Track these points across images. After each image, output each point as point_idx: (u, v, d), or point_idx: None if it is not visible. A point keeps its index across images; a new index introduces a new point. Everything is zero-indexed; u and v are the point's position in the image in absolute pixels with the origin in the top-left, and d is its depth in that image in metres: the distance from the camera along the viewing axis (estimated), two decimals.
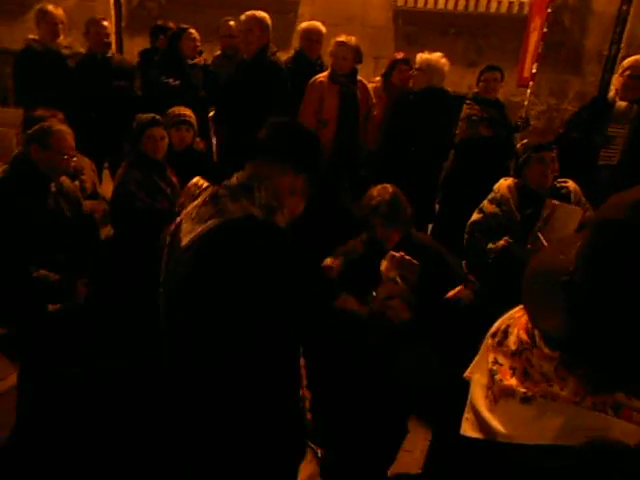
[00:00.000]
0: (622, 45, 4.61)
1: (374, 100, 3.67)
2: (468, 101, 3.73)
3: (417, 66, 3.61)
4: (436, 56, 3.59)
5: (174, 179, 2.77)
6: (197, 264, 1.21)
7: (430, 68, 3.55)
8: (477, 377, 0.97)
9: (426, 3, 5.20)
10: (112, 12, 5.48)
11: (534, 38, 4.09)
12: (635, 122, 3.14)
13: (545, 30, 3.99)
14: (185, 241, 1.25)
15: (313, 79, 3.43)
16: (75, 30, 4.18)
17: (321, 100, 3.36)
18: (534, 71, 3.99)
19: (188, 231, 1.26)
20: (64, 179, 2.54)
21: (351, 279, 2.02)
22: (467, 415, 0.96)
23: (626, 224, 0.73)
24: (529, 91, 4.03)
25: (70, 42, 3.91)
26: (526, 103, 4.03)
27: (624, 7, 4.54)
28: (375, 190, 2.28)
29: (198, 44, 3.85)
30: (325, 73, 3.45)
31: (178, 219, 1.35)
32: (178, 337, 1.28)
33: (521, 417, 0.86)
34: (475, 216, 2.59)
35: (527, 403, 0.87)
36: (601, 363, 0.80)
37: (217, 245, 1.19)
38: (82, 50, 3.85)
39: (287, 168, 1.33)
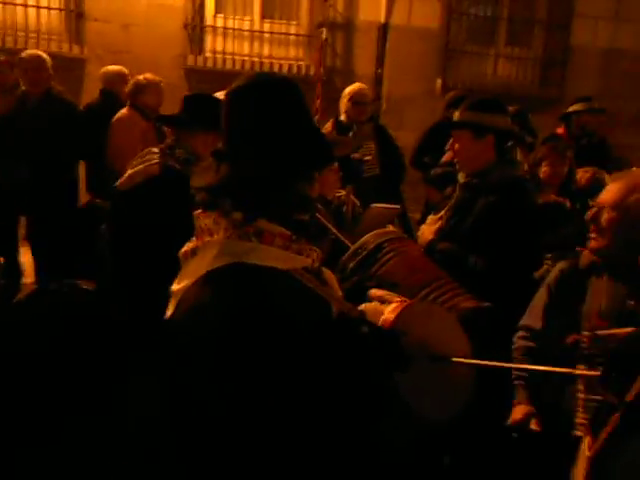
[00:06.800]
0: (382, 100, 5.63)
1: None
2: None
3: None
4: None
5: None
6: None
7: None
8: None
9: (215, 63, 5.59)
10: None
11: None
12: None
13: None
14: None
15: None
16: None
17: None
18: None
19: None
20: None
21: None
22: None
23: None
24: None
25: None
26: None
27: (379, 70, 5.58)
28: None
29: None
30: None
31: None
32: None
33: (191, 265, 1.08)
34: None
35: (195, 254, 1.09)
36: (237, 197, 1.07)
37: None
38: None
39: None
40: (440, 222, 2.16)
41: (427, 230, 2.18)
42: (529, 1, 6.06)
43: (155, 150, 2.23)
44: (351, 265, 1.90)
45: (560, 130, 4.22)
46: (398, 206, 3.08)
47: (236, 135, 1.11)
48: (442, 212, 2.18)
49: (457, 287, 1.74)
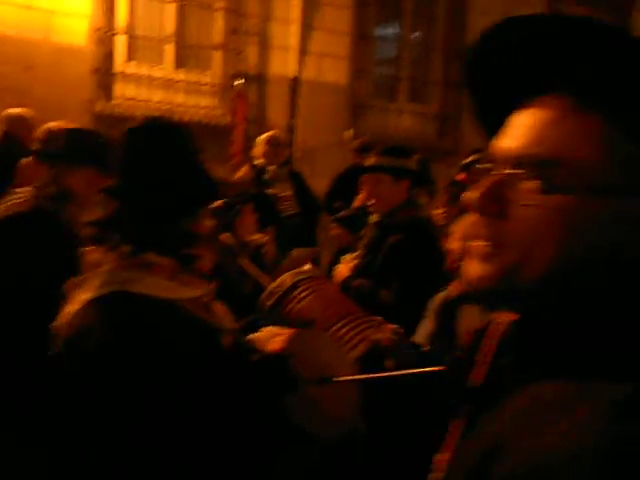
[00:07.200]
0: (294, 148, 5.83)
1: None
2: None
3: None
4: None
5: None
6: None
7: None
8: None
9: (125, 110, 5.52)
10: None
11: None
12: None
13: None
14: None
15: None
16: None
17: None
18: None
19: None
20: None
21: None
22: None
23: None
24: None
25: None
26: None
27: (291, 120, 5.81)
28: None
29: None
30: None
31: None
32: None
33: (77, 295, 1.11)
34: None
35: (81, 286, 1.12)
36: (125, 231, 1.16)
37: None
38: None
39: None
40: (356, 260, 2.27)
41: (344, 268, 2.28)
42: (427, 63, 6.67)
43: (23, 189, 2.17)
44: (269, 303, 1.93)
45: (461, 176, 4.60)
46: (316, 248, 3.19)
47: (126, 172, 1.19)
48: (358, 251, 2.30)
49: (369, 320, 1.83)
